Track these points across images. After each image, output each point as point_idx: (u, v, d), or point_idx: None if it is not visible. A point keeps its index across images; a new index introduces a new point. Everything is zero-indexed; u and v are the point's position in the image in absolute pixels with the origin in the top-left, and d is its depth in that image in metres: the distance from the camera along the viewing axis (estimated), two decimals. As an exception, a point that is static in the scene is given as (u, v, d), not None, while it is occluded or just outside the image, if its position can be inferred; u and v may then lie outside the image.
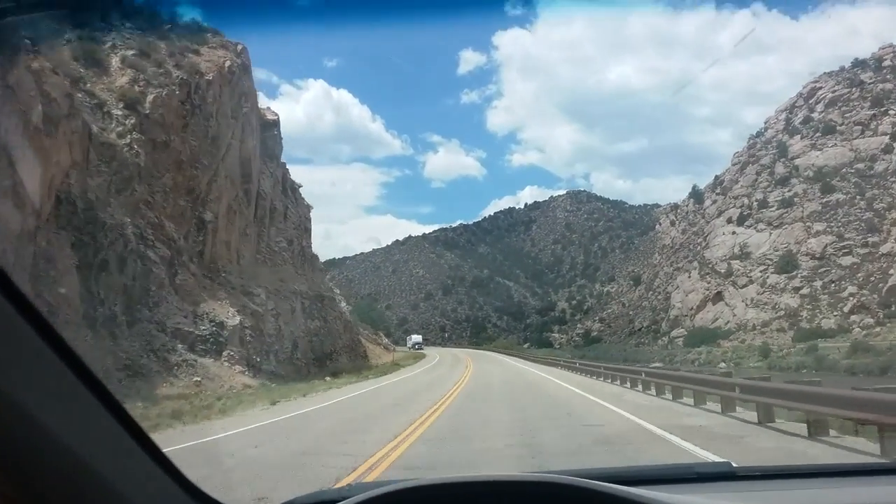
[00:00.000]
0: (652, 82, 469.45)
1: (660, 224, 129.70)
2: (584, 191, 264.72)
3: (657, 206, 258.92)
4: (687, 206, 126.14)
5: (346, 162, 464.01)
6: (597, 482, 1.54)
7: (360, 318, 79.77)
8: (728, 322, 79.73)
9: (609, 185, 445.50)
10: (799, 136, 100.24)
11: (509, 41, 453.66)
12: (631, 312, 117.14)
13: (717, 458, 7.38)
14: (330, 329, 47.33)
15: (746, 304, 79.04)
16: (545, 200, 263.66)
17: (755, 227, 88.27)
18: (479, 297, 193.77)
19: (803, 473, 2.55)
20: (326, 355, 43.38)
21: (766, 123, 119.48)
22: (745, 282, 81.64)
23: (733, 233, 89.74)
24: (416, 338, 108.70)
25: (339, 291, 70.86)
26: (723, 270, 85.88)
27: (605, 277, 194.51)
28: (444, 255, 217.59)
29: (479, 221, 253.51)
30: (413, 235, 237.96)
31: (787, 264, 78.95)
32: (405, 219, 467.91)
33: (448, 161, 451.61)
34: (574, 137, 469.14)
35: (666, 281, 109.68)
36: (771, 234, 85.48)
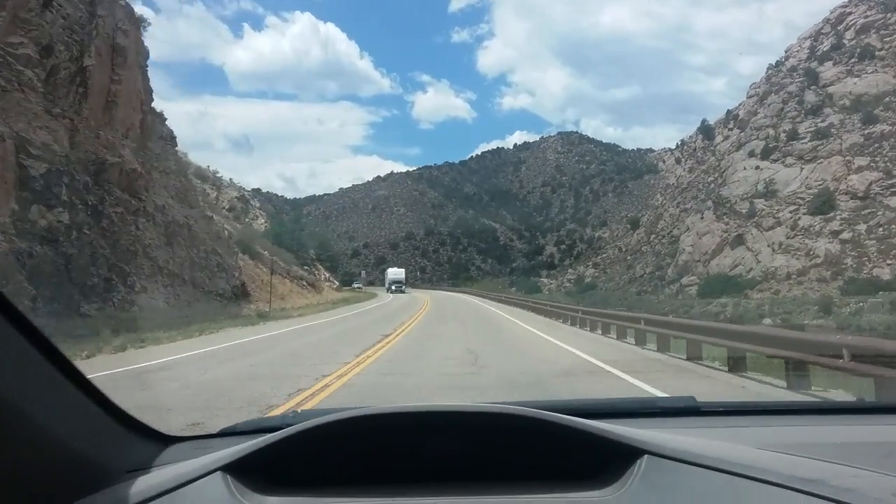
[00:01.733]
0: (647, 27, 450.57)
1: (663, 162, 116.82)
2: (576, 132, 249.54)
3: (651, 150, 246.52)
4: (695, 142, 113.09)
5: (333, 100, 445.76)
6: (552, 413, 1.46)
7: (274, 241, 59.08)
8: (751, 269, 67.56)
9: (600, 131, 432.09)
10: (830, 62, 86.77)
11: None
12: (629, 258, 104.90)
13: None
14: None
15: (773, 249, 66.79)
16: (535, 141, 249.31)
17: (783, 162, 75.51)
18: (463, 238, 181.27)
19: (768, 410, 2.55)
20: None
21: (787, 52, 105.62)
22: (772, 223, 69.24)
23: (756, 168, 76.97)
24: (395, 273, 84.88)
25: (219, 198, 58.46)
26: (744, 210, 73.35)
27: (597, 222, 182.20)
28: (428, 194, 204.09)
29: (465, 160, 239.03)
30: (396, 172, 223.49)
31: (823, 204, 66.44)
32: (391, 160, 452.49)
33: (437, 102, 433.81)
34: (566, 82, 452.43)
35: (671, 223, 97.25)
36: (802, 169, 72.80)
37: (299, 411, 2.64)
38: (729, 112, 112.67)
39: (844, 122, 75.29)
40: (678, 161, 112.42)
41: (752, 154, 79.87)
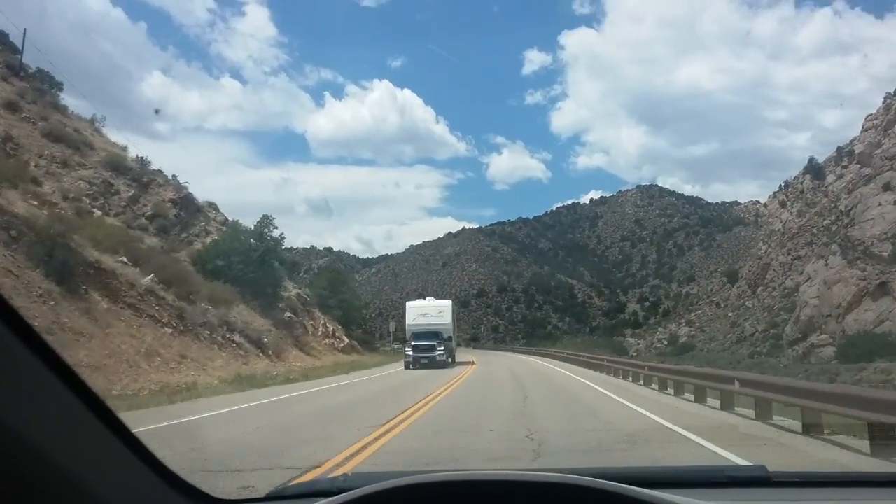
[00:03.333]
0: (724, 83, 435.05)
1: (765, 206, 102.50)
2: (656, 185, 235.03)
3: (737, 203, 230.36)
4: (802, 182, 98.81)
5: (409, 164, 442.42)
6: (615, 483, 1.37)
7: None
8: (905, 325, 53.40)
9: (677, 189, 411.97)
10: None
11: (576, 41, 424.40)
12: (731, 314, 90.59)
13: None
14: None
15: (933, 300, 52.61)
16: (612, 196, 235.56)
17: (932, 194, 61.40)
18: (538, 295, 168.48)
19: (844, 482, 2.37)
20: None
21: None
22: (927, 268, 55.13)
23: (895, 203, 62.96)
24: (425, 317, 39.84)
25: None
26: (885, 253, 59.27)
27: (683, 277, 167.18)
28: (501, 250, 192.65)
29: (539, 216, 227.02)
30: (468, 227, 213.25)
31: None
32: (466, 220, 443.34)
33: (511, 163, 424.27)
34: (641, 140, 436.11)
35: (783, 273, 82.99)
36: (961, 201, 58.63)
37: (350, 473, 2.42)
38: (840, 148, 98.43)
39: None
40: (783, 205, 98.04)
41: (887, 188, 65.81)
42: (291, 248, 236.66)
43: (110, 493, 1.14)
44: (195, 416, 12.80)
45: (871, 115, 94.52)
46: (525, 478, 1.38)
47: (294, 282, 56.94)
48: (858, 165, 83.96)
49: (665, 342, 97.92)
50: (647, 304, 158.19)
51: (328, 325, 49.30)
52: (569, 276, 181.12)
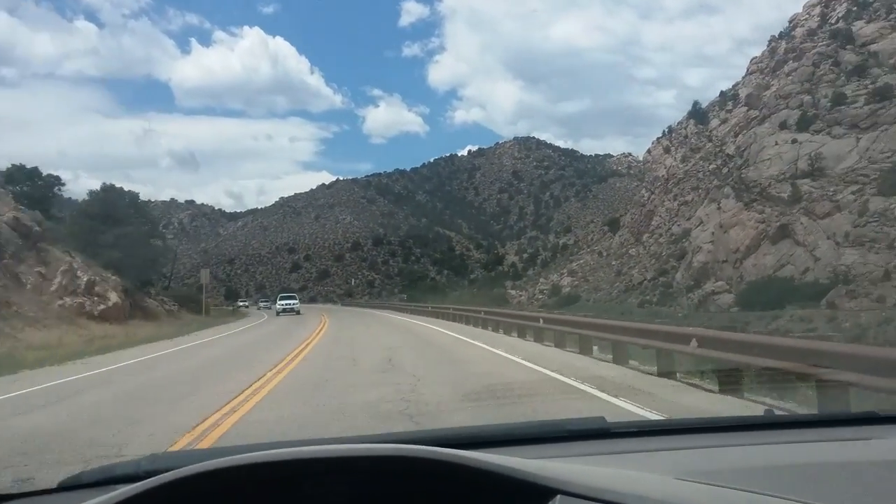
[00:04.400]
0: (598, 40, 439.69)
1: (648, 153, 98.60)
2: (533, 137, 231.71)
3: (609, 156, 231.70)
4: (685, 128, 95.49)
5: (283, 116, 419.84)
6: (433, 449, 1.26)
7: None
8: (807, 270, 49.30)
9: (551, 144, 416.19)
10: (862, 21, 69.91)
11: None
12: (614, 262, 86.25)
13: None
14: None
15: (837, 242, 48.61)
16: (490, 147, 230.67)
17: (828, 132, 57.59)
18: (416, 248, 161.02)
19: (684, 429, 2.38)
20: None
21: (791, 22, 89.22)
22: (828, 208, 51.14)
23: (793, 142, 58.86)
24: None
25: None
26: (785, 195, 55.11)
27: (560, 228, 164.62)
28: (377, 201, 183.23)
29: (417, 168, 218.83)
30: (342, 179, 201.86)
31: (898, 181, 48.59)
32: (342, 175, 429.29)
33: (388, 116, 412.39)
34: (517, 95, 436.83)
35: (669, 219, 79.05)
36: (859, 139, 54.96)
37: (159, 454, 2.08)
38: (724, 93, 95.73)
39: (903, 81, 57.92)
40: (667, 150, 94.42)
41: (783, 126, 61.84)
42: (149, 202, 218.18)
43: None
44: None
45: (755, 58, 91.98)
46: (337, 453, 1.26)
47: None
48: (746, 108, 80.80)
49: (546, 293, 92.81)
50: (525, 255, 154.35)
51: (82, 274, 30.76)
52: (447, 229, 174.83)
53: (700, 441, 2.19)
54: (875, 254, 45.73)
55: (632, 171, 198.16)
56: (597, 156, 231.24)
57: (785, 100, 65.36)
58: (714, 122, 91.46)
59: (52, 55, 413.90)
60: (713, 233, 60.12)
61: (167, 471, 1.22)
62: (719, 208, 62.49)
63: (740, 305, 49.61)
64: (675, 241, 71.72)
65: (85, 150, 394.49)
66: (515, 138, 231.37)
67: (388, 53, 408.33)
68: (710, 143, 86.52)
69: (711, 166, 79.69)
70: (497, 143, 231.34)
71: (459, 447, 1.32)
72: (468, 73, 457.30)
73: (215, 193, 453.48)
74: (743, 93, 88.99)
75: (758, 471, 1.70)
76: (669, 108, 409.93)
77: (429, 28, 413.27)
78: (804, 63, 68.24)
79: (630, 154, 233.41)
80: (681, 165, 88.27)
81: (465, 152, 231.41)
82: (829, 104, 59.88)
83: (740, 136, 76.00)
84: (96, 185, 29.82)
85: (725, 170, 69.97)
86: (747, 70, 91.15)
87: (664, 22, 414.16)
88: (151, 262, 45.64)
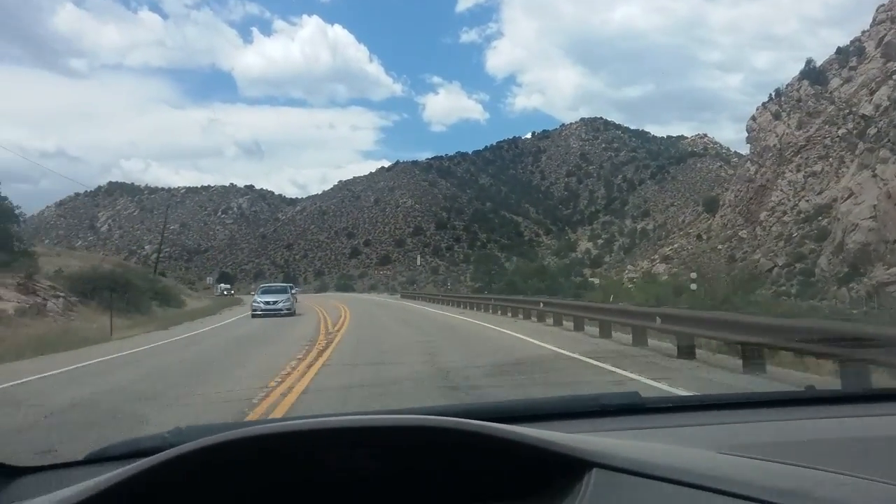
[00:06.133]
0: (659, 23, 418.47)
1: (753, 120, 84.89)
2: (601, 118, 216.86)
3: (683, 137, 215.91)
4: (797, 90, 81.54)
5: (344, 105, 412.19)
6: (470, 421, 1.23)
7: None
8: None
9: (620, 125, 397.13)
10: None
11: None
12: (720, 247, 73.46)
13: None
14: None
15: None
16: (555, 129, 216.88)
17: None
18: (482, 233, 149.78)
19: (719, 404, 2.31)
20: None
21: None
22: None
23: None
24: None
25: None
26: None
27: (638, 212, 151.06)
28: (439, 184, 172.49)
29: (480, 151, 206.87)
30: (402, 161, 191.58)
31: None
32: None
33: (448, 103, 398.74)
34: (577, 80, 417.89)
35: (794, 194, 65.88)
36: None
37: (183, 428, 2.04)
38: (842, 49, 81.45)
39: None
40: (776, 117, 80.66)
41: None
42: (209, 187, 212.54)
43: None
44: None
45: (882, 6, 77.63)
46: (371, 422, 1.23)
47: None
48: (884, 60, 66.93)
49: (638, 281, 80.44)
50: (600, 241, 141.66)
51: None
52: (513, 213, 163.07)
53: (738, 416, 2.10)
54: None
55: (709, 152, 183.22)
56: (669, 137, 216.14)
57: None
58: (835, 83, 77.44)
59: (120, 46, 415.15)
60: (874, 206, 47.12)
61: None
62: (875, 175, 49.45)
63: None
64: (808, 220, 58.84)
65: (154, 140, 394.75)
66: (582, 119, 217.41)
67: (445, 40, 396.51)
68: (833, 106, 72.73)
69: (840, 131, 66.20)
70: (562, 125, 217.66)
71: (488, 421, 1.27)
72: (527, 59, 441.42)
73: (280, 182, 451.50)
74: (869, 45, 74.92)
75: (801, 445, 1.68)
76: (736, 91, 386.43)
77: (486, 13, 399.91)
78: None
79: (706, 135, 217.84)
80: (797, 132, 74.61)
81: (528, 135, 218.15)
82: None
83: (878, 92, 62.49)
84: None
85: (873, 131, 56.53)
86: (874, 20, 76.86)
87: (730, 2, 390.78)
88: None
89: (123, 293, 27.58)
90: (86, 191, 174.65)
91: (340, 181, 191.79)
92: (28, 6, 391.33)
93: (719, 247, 73.83)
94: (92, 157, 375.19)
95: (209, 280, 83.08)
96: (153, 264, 56.22)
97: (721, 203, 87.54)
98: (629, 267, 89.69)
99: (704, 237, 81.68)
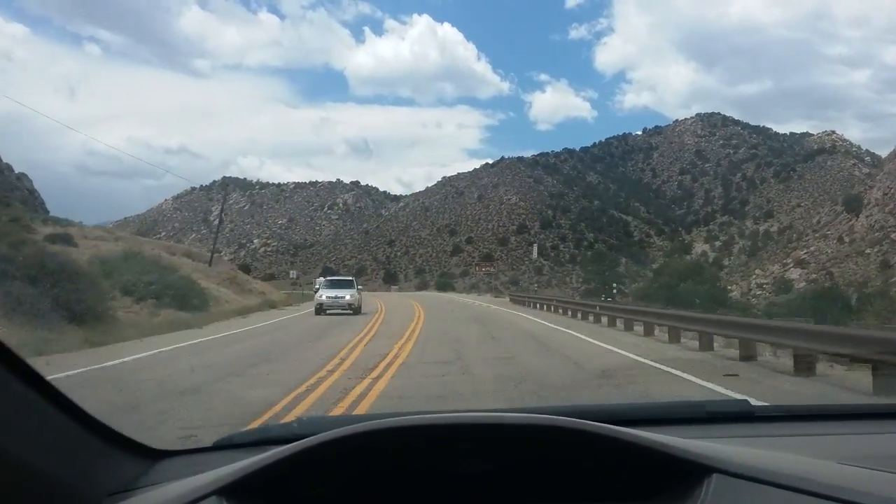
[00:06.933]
0: (780, 16, 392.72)
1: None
2: (718, 113, 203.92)
3: (808, 134, 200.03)
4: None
5: (451, 104, 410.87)
6: (591, 423, 1.25)
7: None
8: None
9: (739, 121, 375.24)
10: None
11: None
12: (869, 250, 64.40)
13: None
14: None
15: None
16: (668, 125, 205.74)
17: None
18: (589, 232, 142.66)
19: (833, 415, 2.25)
20: None
21: None
22: None
23: None
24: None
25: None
26: None
27: (760, 213, 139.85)
28: (544, 181, 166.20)
29: (587, 147, 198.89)
30: (506, 157, 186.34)
31: None
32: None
33: (555, 101, 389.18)
34: (690, 77, 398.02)
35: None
36: None
37: (305, 418, 2.25)
38: None
39: None
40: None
41: None
42: (316, 183, 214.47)
43: (19, 445, 0.99)
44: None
45: None
46: (494, 420, 1.26)
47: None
48: None
49: (768, 288, 72.05)
50: (717, 243, 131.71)
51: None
52: (622, 213, 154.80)
53: (853, 428, 2.03)
54: None
55: (839, 149, 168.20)
56: (792, 134, 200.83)
57: None
58: None
59: (240, 47, 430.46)
60: None
61: (317, 434, 1.24)
62: None
63: None
64: None
65: (269, 137, 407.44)
66: (698, 115, 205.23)
67: (554, 37, 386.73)
68: None
69: None
70: (676, 121, 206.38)
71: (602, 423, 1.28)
72: (637, 55, 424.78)
73: (386, 180, 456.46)
74: None
75: None
76: (864, 88, 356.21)
77: (596, 9, 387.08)
78: None
79: (833, 132, 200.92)
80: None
81: (639, 132, 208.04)
82: None
83: None
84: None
85: None
86: None
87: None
88: None
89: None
90: (201, 185, 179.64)
91: (444, 177, 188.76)
92: (157, 8, 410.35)
93: (867, 251, 64.78)
94: (212, 154, 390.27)
95: (292, 274, 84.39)
96: (261, 258, 54.16)
97: (866, 202, 77.60)
98: (756, 272, 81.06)
99: (847, 240, 72.33)
